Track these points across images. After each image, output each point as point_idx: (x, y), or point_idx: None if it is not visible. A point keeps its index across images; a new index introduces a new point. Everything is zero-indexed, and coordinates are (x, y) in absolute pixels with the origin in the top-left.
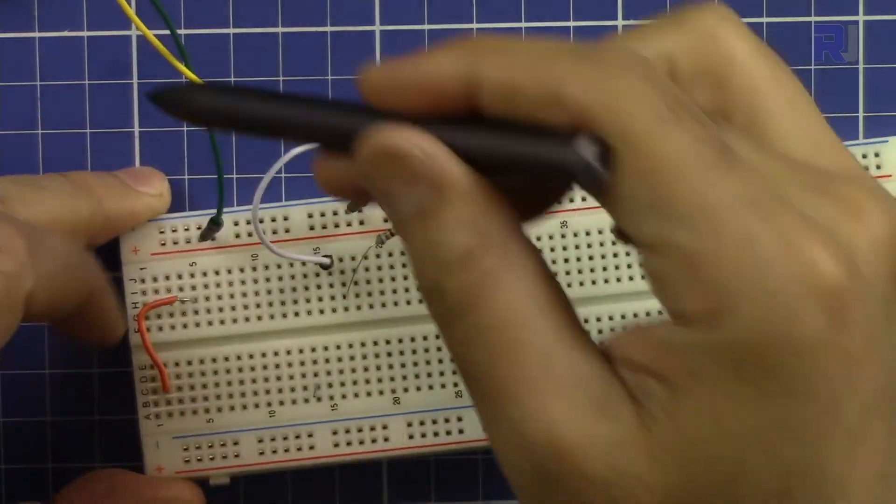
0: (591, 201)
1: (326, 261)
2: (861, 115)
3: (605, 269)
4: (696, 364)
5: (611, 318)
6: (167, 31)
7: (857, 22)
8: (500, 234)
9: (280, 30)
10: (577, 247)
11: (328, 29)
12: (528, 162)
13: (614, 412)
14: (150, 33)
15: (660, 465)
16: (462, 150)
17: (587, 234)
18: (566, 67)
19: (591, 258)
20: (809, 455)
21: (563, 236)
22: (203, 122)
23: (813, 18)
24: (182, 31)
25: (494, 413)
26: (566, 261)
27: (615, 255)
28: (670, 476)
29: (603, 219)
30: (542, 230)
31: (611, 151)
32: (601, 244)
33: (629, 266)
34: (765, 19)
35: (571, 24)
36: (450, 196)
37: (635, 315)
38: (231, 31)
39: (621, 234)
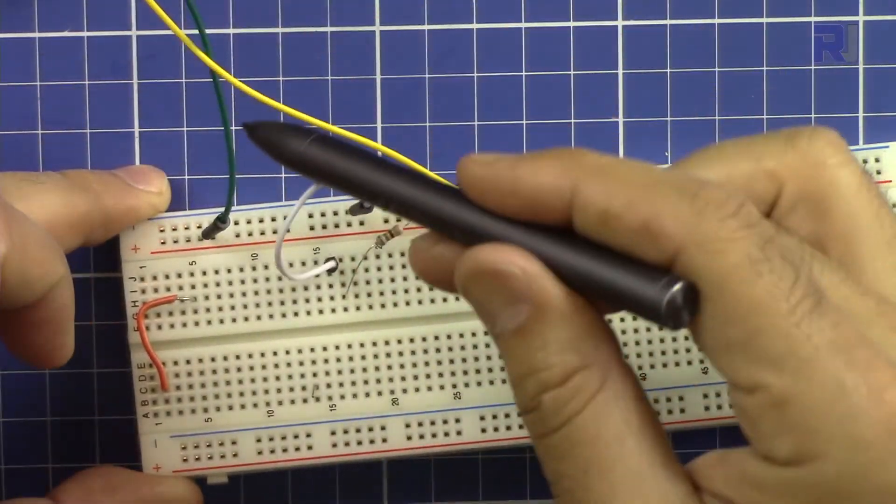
0: None
1: (332, 264)
2: (861, 115)
3: None
4: (782, 503)
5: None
6: (167, 32)
7: (857, 22)
8: (598, 355)
9: (280, 30)
10: None
11: (328, 29)
12: (616, 295)
13: None
14: (185, 37)
15: None
16: (557, 268)
17: None
18: (663, 201)
19: None
20: None
21: None
22: (290, 166)
23: (813, 18)
24: (182, 31)
25: None
26: None
27: None
28: None
29: None
30: None
31: (698, 294)
32: None
33: None
34: (765, 19)
35: (571, 24)
36: (549, 316)
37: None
38: (231, 31)
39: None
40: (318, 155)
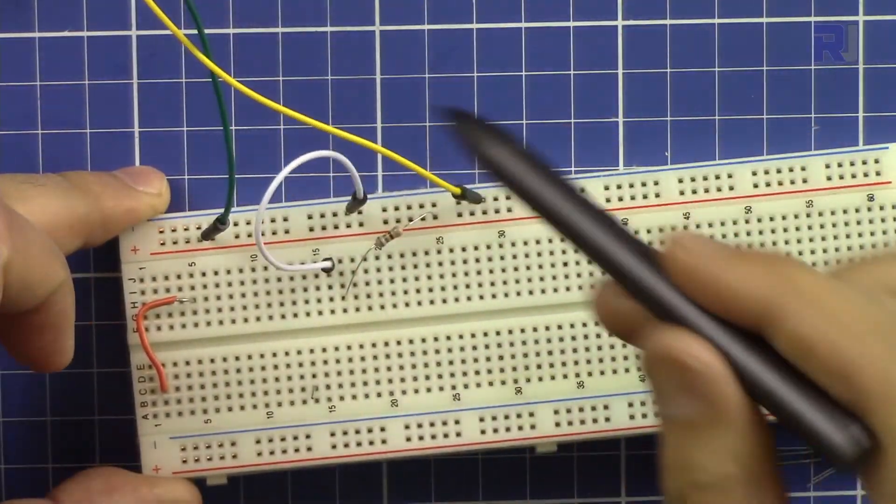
0: None
1: (328, 264)
2: (861, 115)
3: None
4: None
5: None
6: (167, 32)
7: (857, 22)
8: (757, 468)
9: (280, 30)
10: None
11: (328, 29)
12: (799, 425)
13: None
14: (185, 38)
15: None
16: (743, 373)
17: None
18: (867, 351)
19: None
20: None
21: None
22: (482, 165)
23: (813, 18)
24: (182, 31)
25: None
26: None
27: None
28: None
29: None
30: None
31: (880, 446)
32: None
33: None
34: (765, 19)
35: (571, 24)
36: (721, 420)
37: None
38: (231, 31)
39: None
40: (517, 169)
